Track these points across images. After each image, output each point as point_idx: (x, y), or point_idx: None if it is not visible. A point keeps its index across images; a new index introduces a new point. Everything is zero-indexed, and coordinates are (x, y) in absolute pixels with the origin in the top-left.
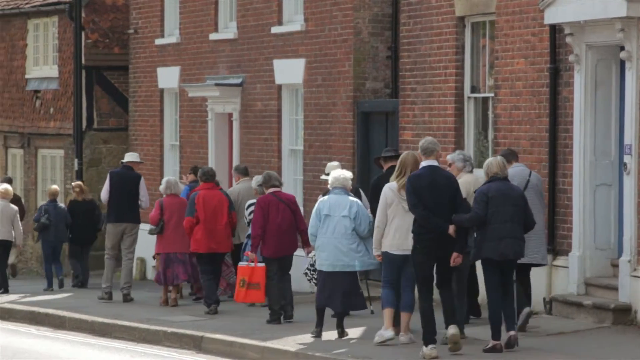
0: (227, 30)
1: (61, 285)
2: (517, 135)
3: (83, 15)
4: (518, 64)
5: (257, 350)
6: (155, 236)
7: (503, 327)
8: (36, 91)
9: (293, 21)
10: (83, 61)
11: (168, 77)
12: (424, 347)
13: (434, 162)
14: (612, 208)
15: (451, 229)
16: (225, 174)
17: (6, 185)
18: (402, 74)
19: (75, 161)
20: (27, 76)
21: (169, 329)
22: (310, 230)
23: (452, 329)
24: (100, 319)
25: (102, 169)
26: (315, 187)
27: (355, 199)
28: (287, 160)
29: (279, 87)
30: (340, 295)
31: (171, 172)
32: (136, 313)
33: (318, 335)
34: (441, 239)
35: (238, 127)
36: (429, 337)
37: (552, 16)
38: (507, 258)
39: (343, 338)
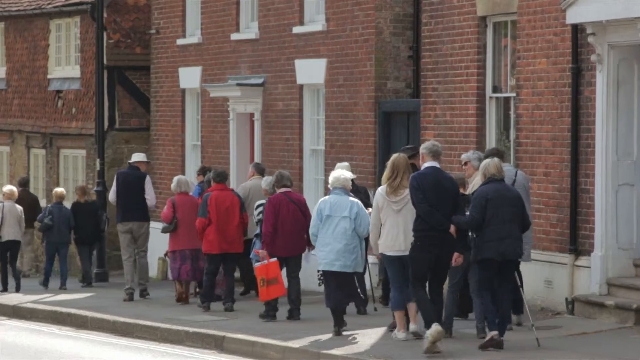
0: (249, 30)
1: (63, 285)
2: (539, 135)
3: (105, 15)
4: (540, 63)
5: (279, 350)
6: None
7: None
8: (58, 91)
9: (314, 21)
10: (105, 61)
11: (190, 77)
12: (427, 331)
13: (437, 164)
14: (634, 208)
15: (452, 228)
16: (246, 174)
17: (11, 187)
18: (423, 74)
19: (97, 161)
20: (49, 76)
21: (191, 329)
22: (311, 230)
23: (436, 326)
24: (122, 319)
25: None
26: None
27: (355, 200)
28: (309, 160)
29: (301, 87)
30: (336, 292)
31: (192, 172)
32: (158, 313)
33: (338, 333)
34: (442, 237)
35: (259, 127)
36: (430, 318)
37: (574, 16)
38: (508, 258)
39: (344, 331)
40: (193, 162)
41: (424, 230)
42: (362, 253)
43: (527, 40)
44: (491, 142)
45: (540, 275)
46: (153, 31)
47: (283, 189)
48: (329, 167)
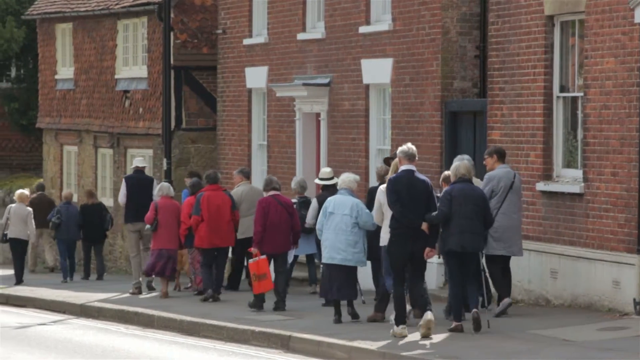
0: (315, 30)
1: (71, 278)
2: (607, 135)
3: (172, 15)
4: (608, 63)
5: (345, 349)
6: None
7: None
8: (125, 91)
9: (381, 21)
10: (172, 61)
11: (256, 77)
12: (395, 327)
13: (413, 167)
14: None
15: (424, 225)
16: (312, 174)
17: (22, 190)
18: (490, 74)
19: (164, 161)
20: (116, 76)
21: (257, 328)
22: (317, 226)
23: (429, 315)
24: (188, 318)
25: (190, 169)
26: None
27: (357, 200)
28: (375, 160)
29: (367, 86)
30: (336, 285)
31: (259, 172)
32: (224, 312)
33: (338, 321)
34: (415, 234)
35: (325, 126)
36: (400, 318)
37: None
38: (467, 250)
39: (355, 320)
40: (259, 161)
41: (398, 228)
42: (365, 248)
43: (594, 40)
44: (558, 141)
45: (608, 276)
46: (220, 31)
47: (272, 192)
48: None
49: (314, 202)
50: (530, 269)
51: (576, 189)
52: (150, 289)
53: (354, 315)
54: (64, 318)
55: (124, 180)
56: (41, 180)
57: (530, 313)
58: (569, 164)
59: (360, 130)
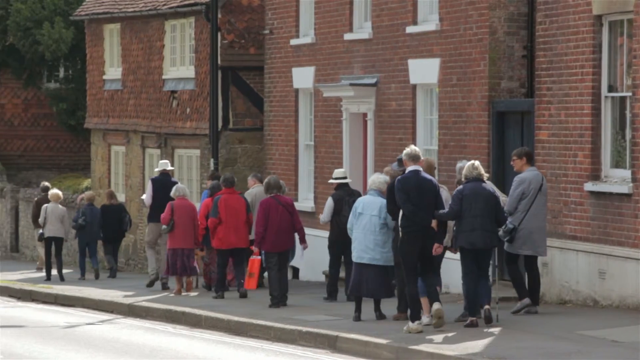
0: (362, 30)
1: (97, 277)
2: None
3: (219, 16)
4: None
5: (392, 350)
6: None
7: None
8: (173, 92)
9: (428, 21)
10: (219, 62)
11: (303, 77)
12: (410, 323)
13: (419, 168)
14: None
15: (434, 222)
16: (359, 174)
17: (56, 190)
18: (538, 73)
19: (211, 161)
20: (164, 77)
21: (304, 328)
22: (348, 226)
23: (437, 305)
24: (236, 318)
25: (237, 169)
26: (450, 187)
27: (385, 201)
28: None
29: (414, 86)
30: (366, 284)
31: (306, 172)
32: (271, 312)
33: (357, 319)
34: (425, 232)
35: (372, 127)
36: (416, 314)
37: None
38: (476, 247)
39: (380, 321)
40: (306, 162)
41: (409, 226)
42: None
43: None
44: (606, 141)
45: None
46: (267, 32)
47: (272, 194)
48: (442, 167)
49: (330, 200)
50: (578, 269)
51: (624, 189)
52: (165, 288)
53: (380, 316)
54: (112, 318)
55: (150, 181)
56: (46, 182)
57: (579, 314)
58: (617, 164)
59: (407, 130)
